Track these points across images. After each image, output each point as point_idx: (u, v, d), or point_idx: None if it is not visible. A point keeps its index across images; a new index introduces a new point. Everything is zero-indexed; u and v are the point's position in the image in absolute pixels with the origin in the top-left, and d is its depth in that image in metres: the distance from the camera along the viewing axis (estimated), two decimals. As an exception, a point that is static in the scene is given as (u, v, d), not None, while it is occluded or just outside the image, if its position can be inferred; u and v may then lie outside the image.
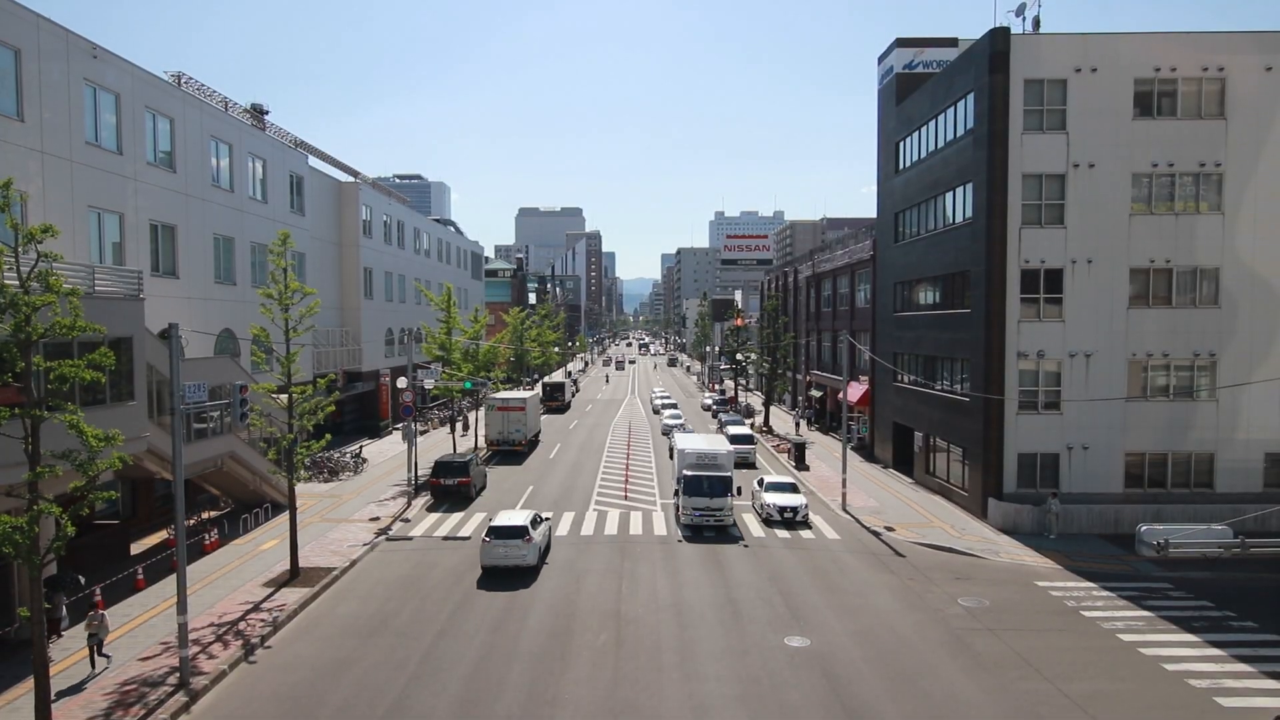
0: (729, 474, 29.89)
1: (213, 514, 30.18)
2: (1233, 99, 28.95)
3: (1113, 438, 29.55)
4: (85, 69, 25.15)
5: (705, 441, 33.50)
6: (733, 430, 45.84)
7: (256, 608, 20.73)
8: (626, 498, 34.49)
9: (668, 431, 51.61)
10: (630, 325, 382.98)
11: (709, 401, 68.44)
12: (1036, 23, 31.94)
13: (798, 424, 47.83)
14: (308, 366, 39.27)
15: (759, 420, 57.21)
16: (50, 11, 24.20)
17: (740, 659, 17.87)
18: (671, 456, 40.40)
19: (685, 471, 29.89)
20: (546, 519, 26.82)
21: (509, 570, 23.60)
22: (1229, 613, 21.23)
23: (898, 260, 40.43)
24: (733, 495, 29.34)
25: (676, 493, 30.72)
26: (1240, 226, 29.15)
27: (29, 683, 15.49)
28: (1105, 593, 22.72)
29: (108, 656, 17.22)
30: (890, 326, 41.42)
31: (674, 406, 63.65)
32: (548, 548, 26.20)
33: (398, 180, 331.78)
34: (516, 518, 24.50)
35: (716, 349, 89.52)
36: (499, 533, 23.65)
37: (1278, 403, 29.23)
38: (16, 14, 22.32)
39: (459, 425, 41.07)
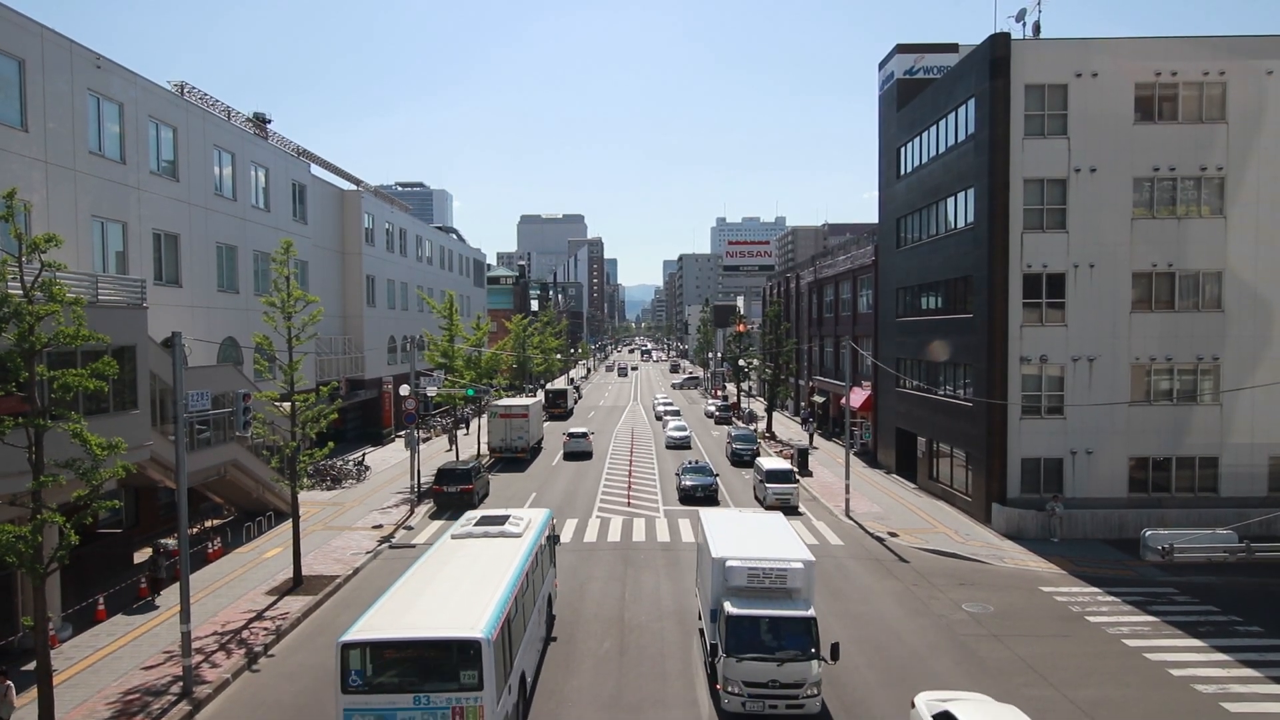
0: (810, 611, 15.17)
1: (216, 522, 30.17)
2: (1234, 103, 28.95)
3: (1116, 442, 29.46)
4: (89, 79, 25.27)
5: (759, 535, 17.96)
6: (768, 466, 34.10)
7: (260, 616, 20.72)
8: (630, 504, 34.42)
9: (672, 445, 50.85)
10: (632, 332, 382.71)
11: (712, 408, 68.21)
12: (1037, 28, 32.02)
13: (811, 434, 47.14)
14: (310, 374, 39.34)
15: (762, 426, 57.19)
16: (54, 22, 24.38)
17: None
18: (680, 484, 35.91)
19: (729, 607, 15.21)
20: (593, 433, 50.58)
21: (580, 453, 46.36)
22: (1235, 617, 21.15)
23: (900, 266, 40.43)
24: (822, 657, 14.85)
25: (713, 648, 15.70)
26: (1242, 230, 29.10)
27: (32, 691, 15.45)
28: (1110, 598, 22.65)
29: None
30: (892, 332, 41.40)
31: (677, 414, 63.61)
32: (592, 449, 47.50)
33: (400, 188, 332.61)
34: (581, 428, 48.44)
35: (719, 355, 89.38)
36: (573, 435, 47.09)
37: (1282, 406, 29.16)
38: (21, 25, 22.45)
39: (456, 432, 41.13)
